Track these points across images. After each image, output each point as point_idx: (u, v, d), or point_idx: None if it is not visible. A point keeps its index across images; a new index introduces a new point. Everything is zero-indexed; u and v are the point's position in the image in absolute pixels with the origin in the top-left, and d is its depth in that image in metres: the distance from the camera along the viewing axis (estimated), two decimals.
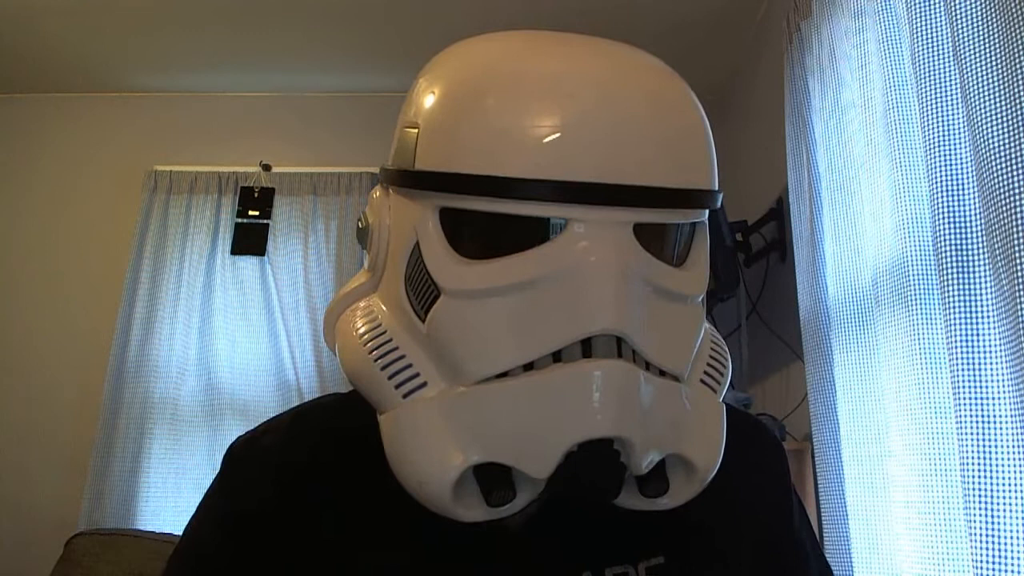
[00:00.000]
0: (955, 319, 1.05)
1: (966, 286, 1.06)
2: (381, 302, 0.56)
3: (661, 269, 0.50)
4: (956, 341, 1.04)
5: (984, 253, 1.05)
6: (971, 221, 1.08)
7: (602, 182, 0.46)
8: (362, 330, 0.55)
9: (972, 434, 1.00)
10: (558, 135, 0.47)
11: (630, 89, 0.49)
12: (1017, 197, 0.93)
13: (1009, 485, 0.95)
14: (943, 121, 1.13)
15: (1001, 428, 0.98)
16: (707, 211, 0.54)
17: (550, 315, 0.47)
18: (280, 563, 0.56)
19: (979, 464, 0.99)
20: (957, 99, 1.12)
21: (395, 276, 0.54)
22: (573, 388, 0.46)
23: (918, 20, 1.19)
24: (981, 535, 0.96)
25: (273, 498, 0.58)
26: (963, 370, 1.03)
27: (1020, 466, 0.94)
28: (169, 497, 2.50)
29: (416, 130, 0.52)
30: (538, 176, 0.46)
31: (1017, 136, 0.94)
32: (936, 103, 1.14)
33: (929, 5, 1.18)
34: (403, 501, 0.52)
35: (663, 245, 0.52)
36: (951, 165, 1.11)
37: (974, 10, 1.04)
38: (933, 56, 1.16)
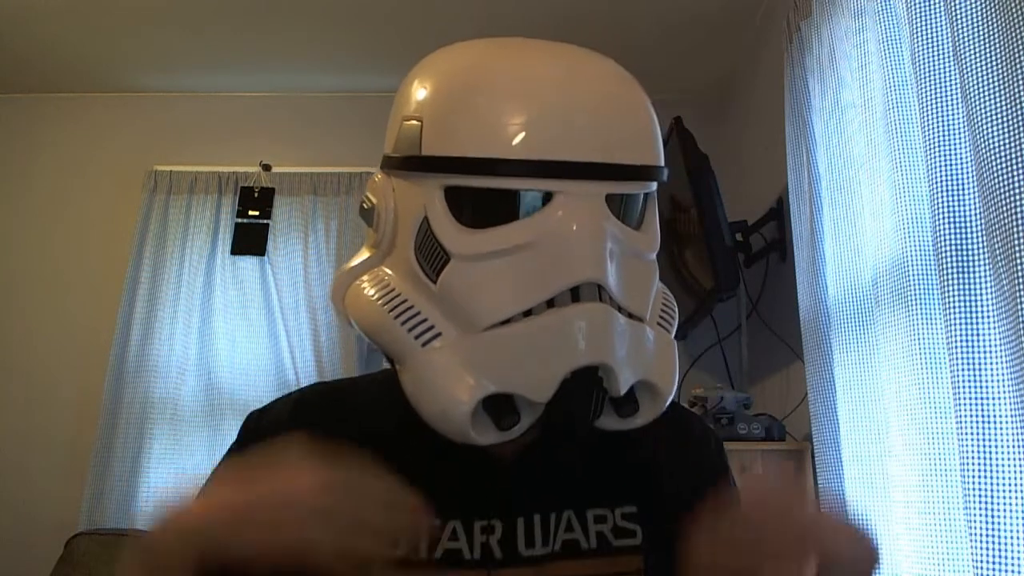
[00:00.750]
0: (955, 319, 1.05)
1: (966, 286, 1.06)
2: (390, 270, 0.66)
3: (625, 231, 0.62)
4: (956, 341, 1.05)
5: (984, 253, 1.05)
6: (971, 221, 1.08)
7: (579, 160, 0.58)
8: (378, 293, 0.64)
9: (972, 434, 1.01)
10: (541, 123, 0.58)
11: (596, 86, 0.62)
12: (1017, 197, 0.93)
13: (1009, 485, 0.95)
14: (943, 121, 1.13)
15: (1001, 428, 0.98)
16: (656, 182, 0.66)
17: (543, 270, 0.58)
18: None
19: (979, 464, 0.99)
20: (957, 99, 1.12)
21: (405, 247, 0.64)
22: (566, 327, 0.57)
23: (918, 20, 1.19)
24: (981, 535, 0.96)
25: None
26: (963, 370, 1.03)
27: (1020, 466, 0.94)
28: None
29: (419, 122, 0.62)
30: (527, 157, 0.58)
31: (1017, 136, 0.94)
32: (936, 103, 1.14)
33: (929, 5, 1.18)
34: (401, 450, 0.62)
35: (624, 212, 0.63)
36: (951, 165, 1.11)
37: (974, 10, 1.04)
38: (933, 56, 1.16)
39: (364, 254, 0.70)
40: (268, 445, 0.62)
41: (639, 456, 0.70)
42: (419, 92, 0.64)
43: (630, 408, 0.63)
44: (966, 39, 1.05)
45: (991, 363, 1.02)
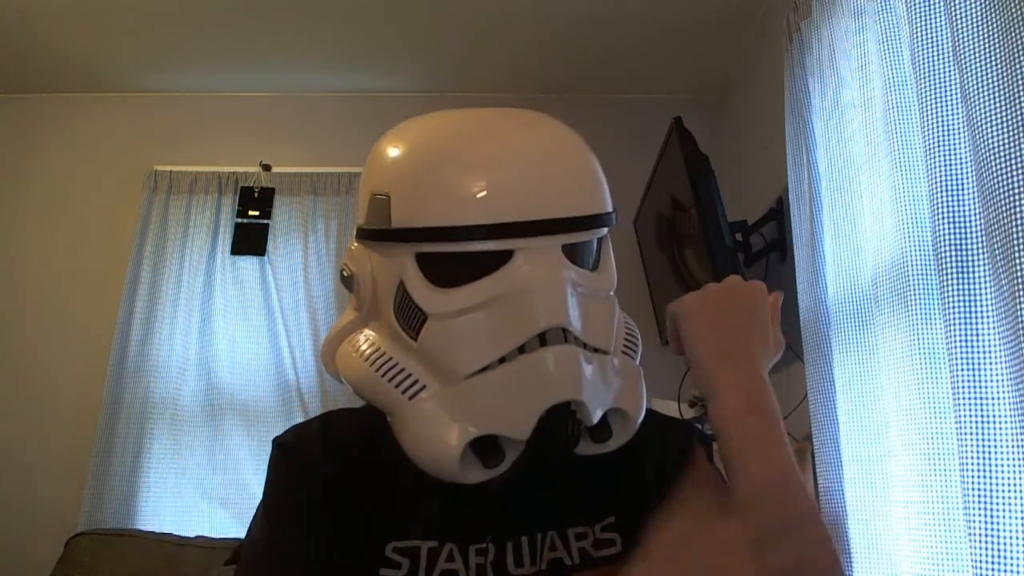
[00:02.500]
0: (955, 319, 1.05)
1: (966, 286, 1.06)
2: (373, 331, 0.73)
3: (583, 274, 0.68)
4: (956, 341, 1.05)
5: (984, 253, 1.05)
6: (971, 221, 1.08)
7: (535, 219, 0.64)
8: (365, 353, 0.71)
9: (972, 434, 1.00)
10: (497, 189, 0.64)
11: (543, 148, 0.68)
12: (1017, 197, 0.93)
13: (1009, 485, 0.95)
14: (943, 121, 1.13)
15: (1001, 428, 0.98)
16: (607, 227, 0.72)
17: (512, 320, 0.64)
18: (346, 532, 0.69)
19: (979, 464, 0.99)
20: (957, 99, 1.12)
21: (385, 309, 0.70)
22: (537, 369, 0.63)
23: (918, 20, 1.19)
24: (981, 535, 0.96)
25: (322, 483, 0.70)
26: (963, 370, 1.03)
27: (1020, 466, 0.94)
28: (169, 497, 2.50)
29: (387, 197, 0.69)
30: (487, 221, 0.64)
31: (1017, 136, 0.94)
32: (936, 103, 1.14)
33: (929, 5, 1.18)
34: (404, 481, 0.70)
35: (581, 256, 0.69)
36: (951, 165, 1.11)
37: (974, 10, 1.04)
38: (933, 56, 1.16)
39: (349, 315, 0.77)
40: (310, 466, 0.70)
41: (614, 470, 0.75)
42: (385, 168, 0.71)
43: (604, 434, 0.69)
44: (966, 39, 1.05)
45: (991, 363, 1.02)
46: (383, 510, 0.71)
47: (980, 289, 1.05)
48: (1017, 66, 0.95)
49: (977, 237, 1.07)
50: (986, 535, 0.96)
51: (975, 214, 1.07)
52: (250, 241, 2.72)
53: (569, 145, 0.70)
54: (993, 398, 1.00)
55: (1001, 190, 0.95)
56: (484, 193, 0.64)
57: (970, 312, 1.04)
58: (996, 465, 0.97)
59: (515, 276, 0.64)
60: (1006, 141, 0.96)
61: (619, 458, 0.72)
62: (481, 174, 0.65)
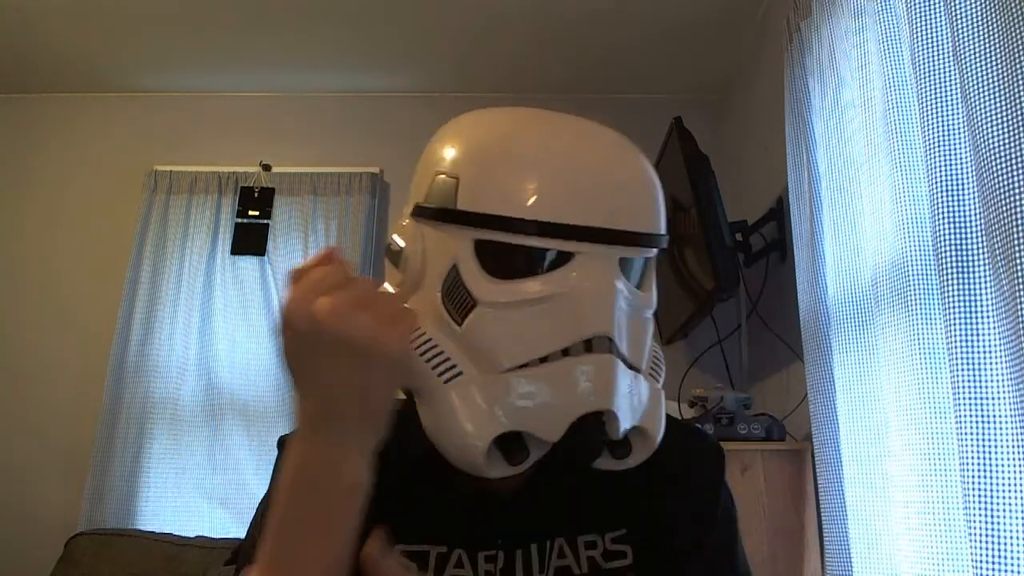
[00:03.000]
0: (955, 319, 1.05)
1: (966, 286, 1.06)
2: (415, 311, 0.70)
3: (632, 291, 0.68)
4: (956, 341, 1.04)
5: (984, 253, 1.05)
6: (971, 221, 1.08)
7: (598, 226, 0.65)
8: None
9: (972, 434, 1.00)
10: (566, 191, 0.65)
11: (615, 161, 0.69)
12: (1017, 197, 0.93)
13: (1009, 485, 0.95)
14: (943, 121, 1.13)
15: (1001, 428, 0.98)
16: (659, 250, 0.72)
17: (561, 322, 0.64)
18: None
19: (979, 464, 0.99)
20: (957, 99, 1.12)
21: (431, 288, 0.69)
22: (579, 374, 0.63)
23: (918, 20, 1.19)
24: (981, 535, 0.96)
25: None
26: (963, 370, 1.03)
27: (1020, 466, 0.94)
28: (169, 497, 2.50)
29: (455, 179, 0.68)
30: (553, 220, 0.64)
31: (1017, 136, 0.94)
32: (936, 103, 1.14)
33: (929, 5, 1.18)
34: (412, 480, 0.71)
35: (631, 272, 0.70)
36: (951, 165, 1.11)
37: (974, 10, 1.04)
38: (933, 56, 1.16)
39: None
40: None
41: (628, 483, 0.74)
42: (455, 151, 0.70)
43: (624, 450, 0.69)
44: (966, 39, 1.05)
45: (991, 363, 1.01)
46: (392, 511, 0.70)
47: (980, 289, 1.05)
48: (1017, 66, 0.95)
49: (977, 237, 1.06)
50: (986, 535, 0.96)
51: (975, 214, 1.07)
52: (250, 241, 2.72)
53: (641, 165, 0.71)
54: (993, 398, 1.00)
55: (1001, 190, 0.95)
56: (557, 193, 0.65)
57: (970, 312, 1.04)
58: (996, 465, 0.97)
59: (570, 279, 0.65)
60: (1006, 141, 0.96)
61: (636, 471, 0.72)
62: (557, 174, 0.66)
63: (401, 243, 0.73)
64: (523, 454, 0.65)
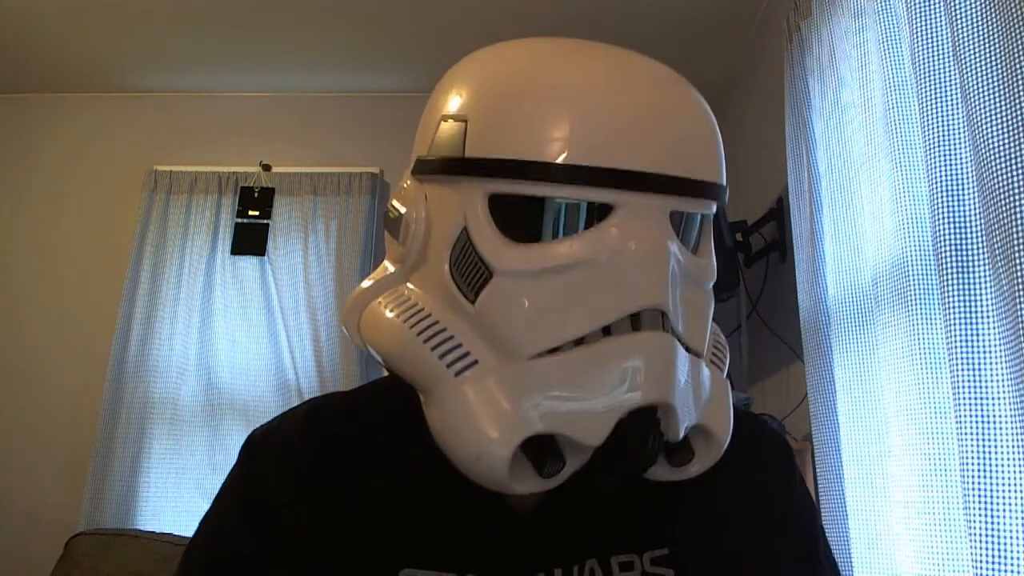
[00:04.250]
0: (955, 319, 1.05)
1: (966, 286, 1.06)
2: (417, 288, 0.59)
3: (686, 255, 0.55)
4: (956, 341, 1.04)
5: (984, 253, 1.05)
6: (971, 221, 1.08)
7: (646, 171, 0.51)
8: (402, 313, 0.57)
9: (972, 434, 1.00)
10: (603, 127, 0.51)
11: (663, 93, 0.55)
12: (1017, 197, 0.93)
13: (1009, 485, 0.95)
14: (943, 121, 1.13)
15: (1001, 428, 0.98)
16: (718, 203, 0.58)
17: (601, 292, 0.51)
18: (303, 549, 0.59)
19: (979, 464, 0.99)
20: (957, 99, 1.12)
21: (437, 261, 0.56)
22: (626, 359, 0.50)
23: (918, 20, 1.19)
24: (981, 535, 0.96)
25: (295, 484, 0.60)
26: (963, 370, 1.03)
27: (1020, 466, 0.94)
28: (169, 497, 2.50)
29: (463, 122, 0.55)
30: (586, 163, 0.50)
31: (1017, 136, 0.94)
32: (936, 103, 1.14)
33: (929, 5, 1.18)
34: (417, 489, 0.59)
35: (686, 234, 0.56)
36: (951, 165, 1.11)
37: (974, 10, 1.04)
38: (933, 56, 1.16)
39: (382, 271, 0.63)
40: (278, 466, 0.61)
41: (672, 489, 0.58)
42: (463, 91, 0.57)
43: (685, 455, 0.55)
44: (966, 39, 1.05)
45: (991, 363, 1.01)
46: (394, 531, 0.59)
47: (980, 289, 1.05)
48: (1017, 66, 0.95)
49: (977, 237, 1.06)
50: (986, 535, 0.96)
51: (975, 214, 1.07)
52: (250, 241, 2.72)
53: (696, 100, 0.57)
54: (993, 398, 1.00)
55: (1001, 190, 0.95)
56: (590, 129, 0.51)
57: (970, 312, 1.04)
58: (996, 465, 0.97)
59: (610, 237, 0.51)
60: (1006, 141, 0.96)
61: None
62: (587, 107, 0.52)
63: (401, 208, 0.60)
64: (558, 464, 0.51)
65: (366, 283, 0.62)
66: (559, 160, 0.50)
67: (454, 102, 0.57)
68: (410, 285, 0.59)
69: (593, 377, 0.50)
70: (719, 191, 0.56)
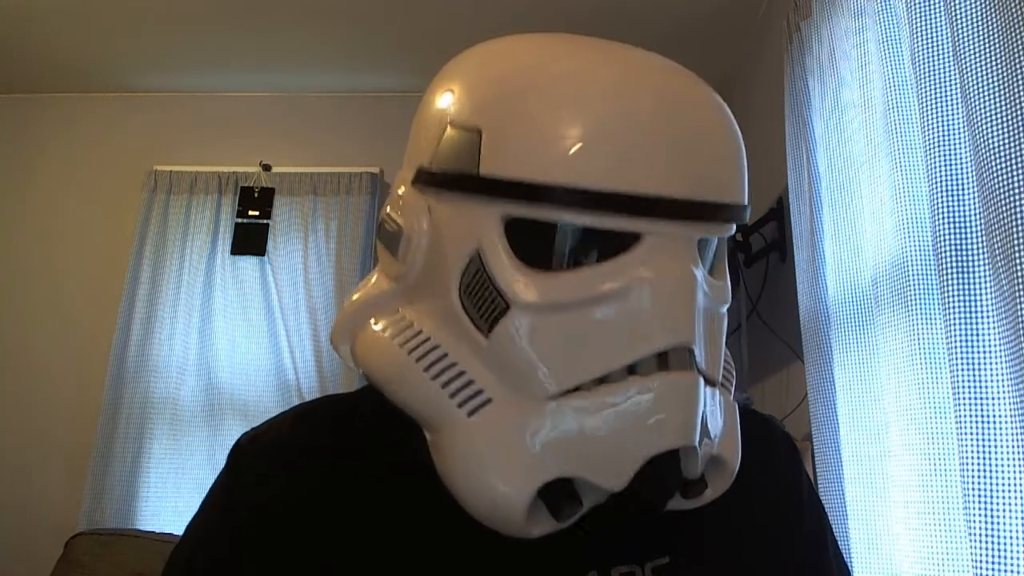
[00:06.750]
0: (955, 319, 1.05)
1: (966, 286, 1.06)
2: (420, 312, 0.54)
3: (710, 283, 0.52)
4: (956, 341, 1.04)
5: (984, 253, 1.05)
6: (971, 221, 1.08)
7: (677, 197, 0.48)
8: (406, 342, 0.53)
9: (972, 434, 1.00)
10: (636, 152, 0.47)
11: (693, 113, 0.51)
12: (1017, 197, 0.93)
13: (1009, 485, 0.95)
14: (943, 121, 1.13)
15: (1001, 428, 0.98)
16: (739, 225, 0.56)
17: (626, 328, 0.47)
18: (291, 557, 0.56)
19: (979, 464, 0.99)
20: (957, 99, 1.12)
21: (445, 287, 0.52)
22: (655, 402, 0.47)
23: (918, 20, 1.19)
24: (981, 535, 0.96)
25: (283, 492, 0.58)
26: (963, 370, 1.03)
27: (1020, 466, 0.94)
28: (169, 497, 2.50)
29: (476, 133, 0.50)
30: (617, 189, 0.47)
31: (1017, 136, 0.94)
32: (936, 103, 1.14)
33: (929, 5, 1.18)
34: (411, 497, 0.55)
35: (704, 258, 0.53)
36: (951, 165, 1.11)
37: (974, 10, 1.04)
38: (933, 56, 1.16)
39: (380, 284, 0.58)
40: (263, 474, 0.58)
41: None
42: (471, 95, 0.52)
43: (698, 487, 0.53)
44: (966, 39, 1.05)
45: (991, 363, 1.01)
46: (377, 540, 0.56)
47: (980, 289, 1.05)
48: (1017, 66, 0.95)
49: (977, 237, 1.06)
50: (986, 535, 0.96)
51: (975, 214, 1.07)
52: (250, 241, 2.72)
53: (721, 114, 0.53)
54: (993, 398, 1.00)
55: (1001, 190, 0.95)
56: (621, 150, 0.47)
57: (970, 312, 1.04)
58: (996, 465, 0.97)
59: (640, 269, 0.47)
60: (1006, 141, 0.96)
61: None
62: (619, 125, 0.47)
63: (399, 221, 0.55)
64: (574, 507, 0.49)
65: (357, 295, 0.59)
66: (585, 185, 0.46)
67: (460, 106, 0.52)
68: (411, 308, 0.55)
69: (617, 420, 0.47)
70: (743, 213, 0.53)
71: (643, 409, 0.47)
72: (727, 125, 0.53)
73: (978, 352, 1.03)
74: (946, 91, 1.14)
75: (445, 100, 0.54)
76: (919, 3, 1.19)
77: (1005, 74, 0.97)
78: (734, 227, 0.55)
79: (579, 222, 0.48)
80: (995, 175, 0.96)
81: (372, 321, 0.56)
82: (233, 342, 2.66)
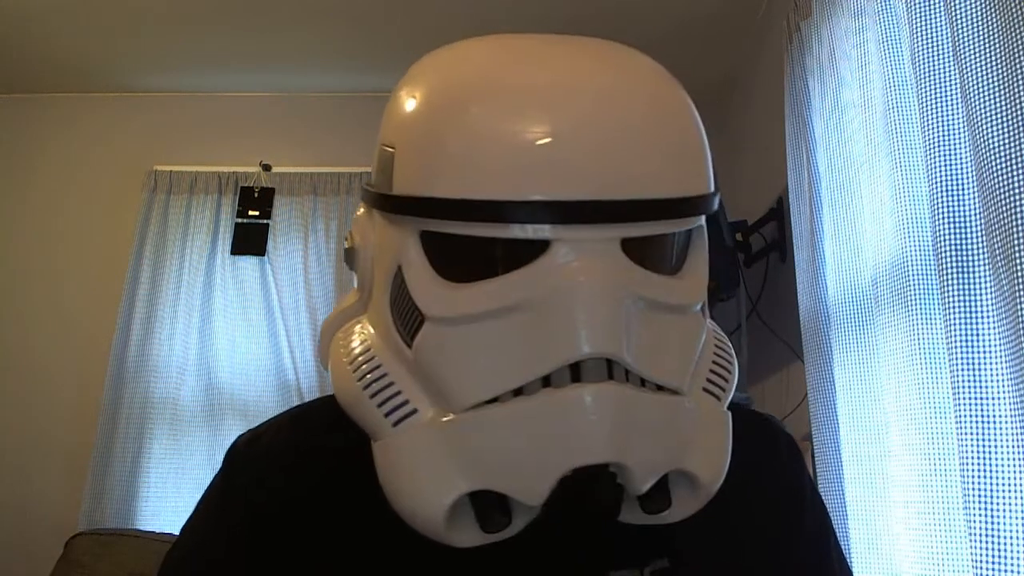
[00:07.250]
0: (955, 319, 1.05)
1: (966, 286, 1.06)
2: (370, 325, 0.56)
3: (654, 281, 0.49)
4: (956, 341, 1.04)
5: (984, 253, 1.05)
6: (971, 221, 1.08)
7: (587, 199, 0.45)
8: (352, 354, 0.54)
9: (972, 434, 1.00)
10: (540, 151, 0.46)
11: (620, 96, 0.49)
12: (1017, 197, 0.93)
13: (1009, 485, 0.95)
14: (943, 121, 1.13)
15: (1001, 428, 0.98)
16: (703, 216, 0.53)
17: (537, 339, 0.46)
18: (287, 558, 0.57)
19: (979, 464, 0.99)
20: (957, 99, 1.12)
21: (381, 299, 0.53)
22: (563, 414, 0.46)
23: (918, 20, 1.19)
24: (981, 535, 0.96)
25: (280, 493, 0.58)
26: (963, 370, 1.03)
27: (1020, 466, 0.94)
28: (169, 497, 2.50)
29: (392, 150, 0.51)
30: (518, 197, 0.45)
31: (1017, 136, 0.94)
32: (936, 103, 1.14)
33: (929, 5, 1.18)
34: (391, 528, 0.54)
35: (657, 256, 0.50)
36: (951, 165, 1.11)
37: (974, 10, 1.04)
38: (933, 56, 1.16)
39: (351, 297, 0.61)
40: (258, 477, 0.59)
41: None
42: (392, 113, 0.53)
43: (659, 503, 0.50)
44: (966, 39, 1.05)
45: (991, 363, 1.01)
46: (369, 544, 0.56)
47: (980, 289, 1.05)
48: (1017, 66, 0.95)
49: (977, 237, 1.06)
50: (986, 535, 0.96)
51: (975, 214, 1.07)
52: (250, 241, 2.72)
53: (654, 106, 0.50)
54: (993, 398, 1.00)
55: (1001, 190, 0.95)
56: (520, 156, 0.46)
57: (970, 312, 1.04)
58: (996, 465, 0.97)
59: (548, 277, 0.46)
60: (1006, 141, 0.96)
61: None
62: (520, 128, 0.46)
63: (355, 237, 0.57)
64: (502, 520, 0.48)
65: (335, 312, 0.62)
66: (485, 196, 0.45)
67: (385, 125, 0.54)
68: (368, 320, 0.56)
69: (530, 433, 0.46)
70: (691, 205, 0.49)
71: (555, 423, 0.46)
72: (659, 117, 0.50)
73: (978, 352, 1.03)
74: (946, 91, 1.14)
75: (385, 115, 0.55)
76: (919, 3, 1.19)
77: (1005, 74, 0.97)
78: (691, 221, 0.51)
79: (483, 234, 0.47)
80: (995, 175, 0.96)
81: (337, 337, 0.57)
82: (233, 342, 2.66)
